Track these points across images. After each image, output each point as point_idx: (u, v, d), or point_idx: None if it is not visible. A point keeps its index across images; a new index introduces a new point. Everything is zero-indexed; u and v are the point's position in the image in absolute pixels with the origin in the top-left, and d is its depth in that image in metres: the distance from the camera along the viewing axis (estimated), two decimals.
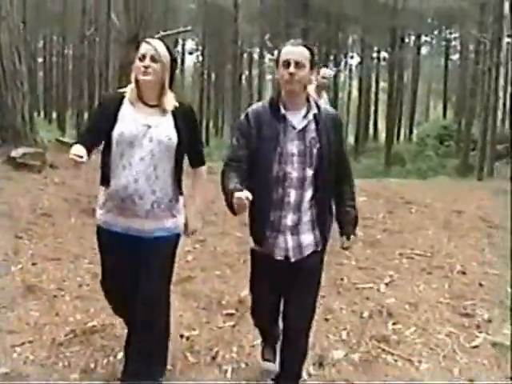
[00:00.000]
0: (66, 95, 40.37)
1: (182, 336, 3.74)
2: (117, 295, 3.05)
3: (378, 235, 6.64)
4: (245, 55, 44.27)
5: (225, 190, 2.68)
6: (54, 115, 40.33)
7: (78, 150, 2.53)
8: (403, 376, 3.42)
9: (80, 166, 2.53)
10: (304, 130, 2.77)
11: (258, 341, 3.48)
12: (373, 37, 37.32)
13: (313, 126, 2.79)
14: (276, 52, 2.85)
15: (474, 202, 9.25)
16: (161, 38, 2.95)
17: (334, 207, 2.97)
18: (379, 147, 36.86)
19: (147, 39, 2.85)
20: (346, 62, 47.46)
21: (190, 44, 48.84)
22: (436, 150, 29.39)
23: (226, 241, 6.05)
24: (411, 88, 43.52)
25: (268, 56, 42.76)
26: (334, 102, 27.82)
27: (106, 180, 2.87)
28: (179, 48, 45.04)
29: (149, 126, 2.80)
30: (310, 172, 2.78)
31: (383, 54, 42.95)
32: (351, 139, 38.91)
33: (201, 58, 46.44)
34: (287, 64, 2.69)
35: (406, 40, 39.60)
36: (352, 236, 2.91)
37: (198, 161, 3.09)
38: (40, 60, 42.81)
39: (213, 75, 47.92)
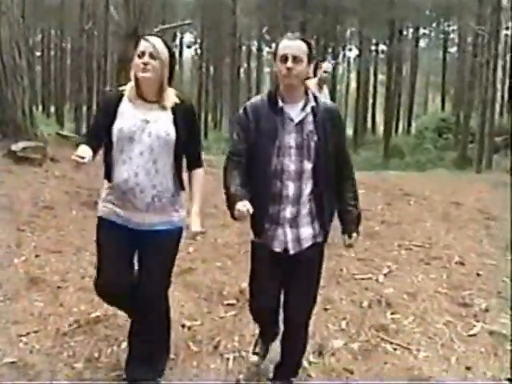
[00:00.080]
0: (64, 89, 40.32)
1: (183, 326, 3.79)
2: (111, 289, 2.91)
3: (376, 227, 6.70)
4: (243, 48, 44.19)
5: (226, 188, 2.73)
6: (53, 109, 40.31)
7: (83, 151, 2.58)
8: (402, 364, 3.47)
9: (81, 166, 2.57)
10: (302, 122, 2.77)
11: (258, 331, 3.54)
12: (371, 29, 37.23)
13: (310, 118, 2.78)
14: (274, 45, 2.85)
15: (472, 195, 9.32)
16: (159, 35, 2.95)
17: (335, 201, 2.94)
18: (378, 140, 36.95)
19: (146, 36, 2.86)
20: (344, 55, 47.53)
21: (188, 37, 48.82)
22: (434, 143, 29.45)
23: (227, 232, 6.11)
24: (409, 81, 43.48)
25: (266, 49, 42.68)
26: (332, 95, 27.81)
27: (108, 174, 2.91)
28: (177, 41, 44.94)
29: (147, 121, 2.82)
30: (308, 165, 2.77)
31: (381, 47, 43.00)
32: (350, 132, 38.86)
33: (199, 51, 46.31)
34: (285, 58, 2.69)
35: (404, 32, 39.64)
36: (354, 234, 2.90)
37: (195, 163, 3.03)
38: (38, 54, 42.65)
39: (211, 68, 47.81)
